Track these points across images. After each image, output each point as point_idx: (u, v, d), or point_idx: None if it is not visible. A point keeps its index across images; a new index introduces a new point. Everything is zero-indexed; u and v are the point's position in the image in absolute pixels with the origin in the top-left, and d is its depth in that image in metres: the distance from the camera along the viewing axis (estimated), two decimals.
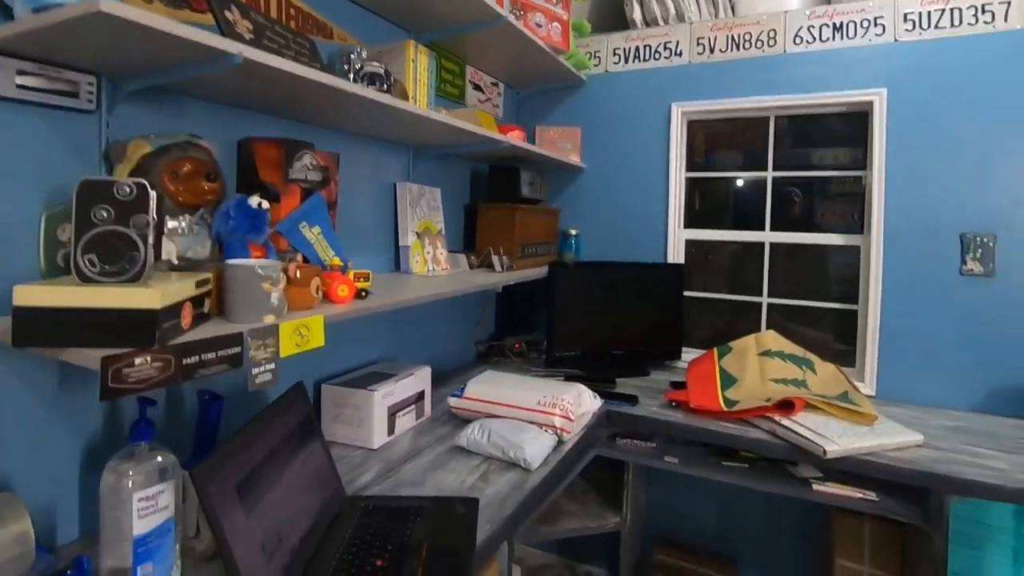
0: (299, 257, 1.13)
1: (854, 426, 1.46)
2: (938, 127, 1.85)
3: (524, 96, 2.54)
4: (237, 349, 0.83)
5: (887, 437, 1.42)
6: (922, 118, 1.87)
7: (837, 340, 2.07)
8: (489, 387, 1.49)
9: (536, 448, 1.24)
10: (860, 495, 1.41)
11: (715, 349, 1.91)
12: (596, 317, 2.10)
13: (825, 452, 1.35)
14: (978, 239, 1.80)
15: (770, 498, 2.03)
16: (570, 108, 2.44)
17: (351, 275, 1.18)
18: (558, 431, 1.36)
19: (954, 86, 1.82)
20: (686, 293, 2.27)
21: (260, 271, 0.89)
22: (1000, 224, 1.78)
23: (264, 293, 0.90)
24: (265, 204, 1.06)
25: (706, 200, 2.34)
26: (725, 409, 1.61)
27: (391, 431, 1.37)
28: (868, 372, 1.93)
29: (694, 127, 2.30)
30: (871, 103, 1.95)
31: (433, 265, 1.87)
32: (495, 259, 1.96)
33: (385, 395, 1.34)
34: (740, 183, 2.27)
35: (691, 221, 2.32)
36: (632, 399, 1.75)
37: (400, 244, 1.80)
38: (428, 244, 1.88)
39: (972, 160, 1.81)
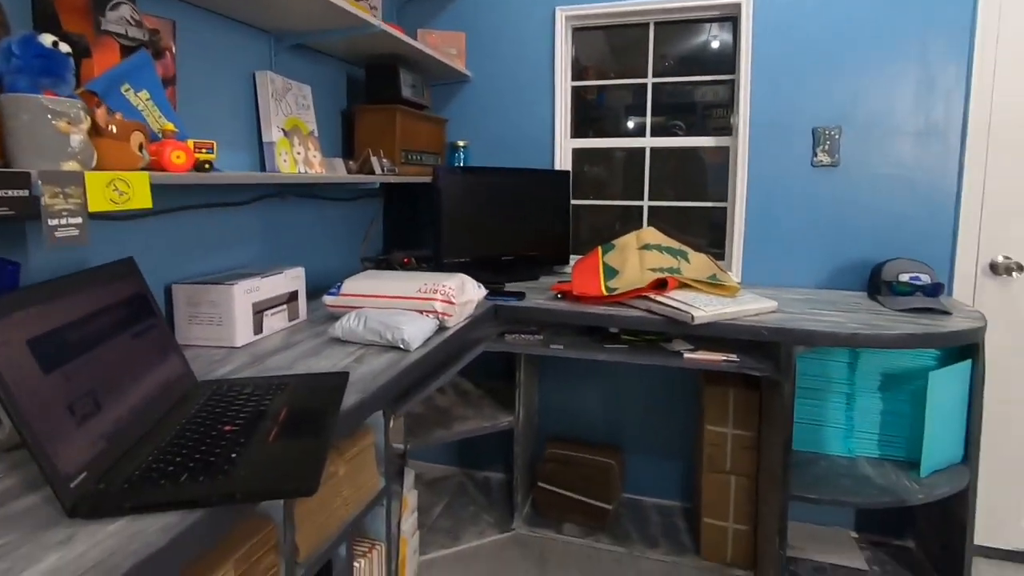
0: (117, 115, 0.96)
1: (719, 298, 1.57)
2: (796, 28, 1.96)
3: (405, 1, 2.36)
4: (24, 192, 0.69)
5: (747, 304, 1.54)
6: (783, 20, 1.97)
7: (712, 245, 2.22)
8: (368, 282, 1.42)
9: (415, 329, 1.20)
10: (724, 358, 1.53)
11: (599, 247, 1.96)
12: (485, 224, 2.07)
13: (693, 318, 1.44)
14: (827, 132, 1.96)
15: (649, 388, 2.19)
16: (454, 15, 2.31)
17: (190, 143, 1.03)
18: (439, 315, 1.32)
19: None
20: (574, 202, 2.31)
21: (50, 104, 0.74)
22: (844, 117, 1.95)
23: (59, 134, 0.75)
24: (65, 48, 0.88)
25: (600, 129, 2.35)
26: (606, 294, 1.67)
27: (258, 330, 1.26)
28: (735, 262, 2.08)
29: (584, 59, 2.28)
30: (739, 5, 2.02)
31: (305, 167, 1.72)
32: (375, 160, 1.84)
33: (248, 290, 1.23)
34: (630, 124, 2.30)
35: (579, 132, 2.34)
36: (520, 295, 1.76)
37: (264, 141, 1.63)
38: (298, 144, 1.72)
39: (824, 59, 1.95)
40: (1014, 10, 1.79)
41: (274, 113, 1.62)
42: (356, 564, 0.96)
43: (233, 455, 0.66)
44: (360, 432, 0.99)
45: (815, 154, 1.98)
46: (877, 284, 1.80)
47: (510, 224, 2.12)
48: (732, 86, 2.13)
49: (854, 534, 2.02)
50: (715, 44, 2.17)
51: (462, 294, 1.41)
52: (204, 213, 1.40)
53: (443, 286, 1.35)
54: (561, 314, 1.64)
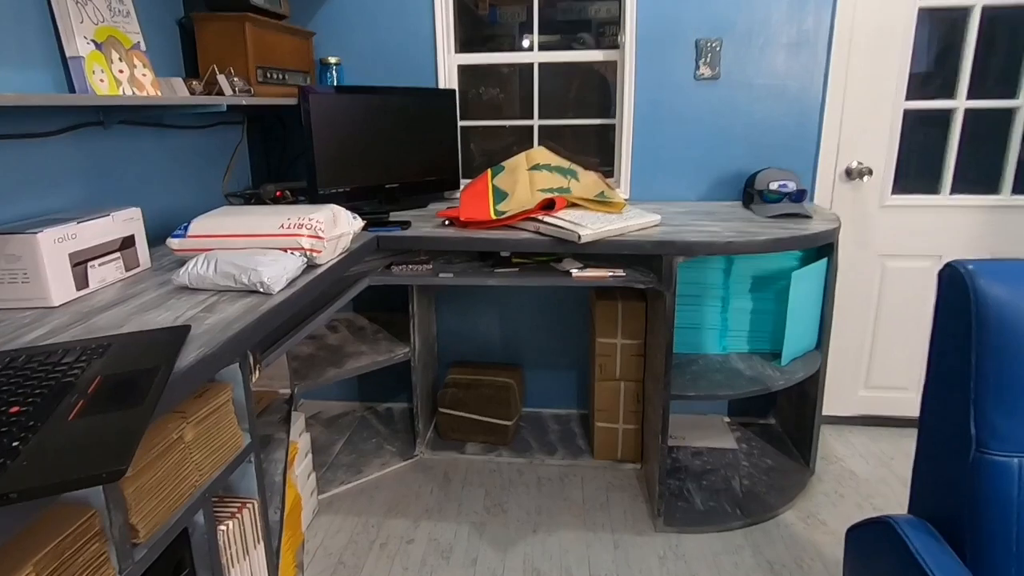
0: None
1: (606, 216, 1.57)
2: None
3: None
4: None
5: (631, 220, 1.55)
6: None
7: (606, 164, 2.19)
8: (222, 219, 1.25)
9: (276, 269, 1.08)
10: (610, 274, 1.56)
11: (489, 170, 1.89)
12: (365, 150, 1.90)
13: (580, 237, 1.44)
14: (709, 44, 1.95)
15: (545, 307, 2.22)
16: None
17: None
18: (307, 252, 1.21)
19: None
20: (461, 123, 2.18)
21: None
22: (725, 29, 1.94)
23: None
24: None
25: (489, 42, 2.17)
26: (494, 219, 1.61)
27: (83, 284, 1.08)
28: (624, 178, 2.09)
29: None
30: None
31: (132, 88, 1.45)
32: (222, 79, 1.59)
33: (60, 238, 1.03)
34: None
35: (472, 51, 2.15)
36: (404, 224, 1.66)
37: (67, 56, 1.33)
38: (119, 60, 1.44)
39: None
40: None
41: (76, 19, 1.32)
42: (221, 527, 0.90)
43: (16, 443, 0.55)
44: (214, 389, 0.90)
45: (698, 67, 1.98)
46: (750, 193, 1.89)
47: (394, 149, 1.96)
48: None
49: (727, 419, 2.26)
50: None
51: (333, 227, 1.29)
52: None
53: (309, 219, 1.22)
54: (448, 241, 1.57)
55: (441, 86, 2.11)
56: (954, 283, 0.82)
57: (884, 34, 1.90)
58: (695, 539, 1.65)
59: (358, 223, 1.40)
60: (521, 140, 2.23)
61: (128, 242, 1.21)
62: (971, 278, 0.80)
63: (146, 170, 1.58)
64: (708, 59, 1.97)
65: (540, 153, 1.89)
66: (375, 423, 2.29)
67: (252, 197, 1.97)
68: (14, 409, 0.61)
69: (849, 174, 2.02)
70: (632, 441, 1.98)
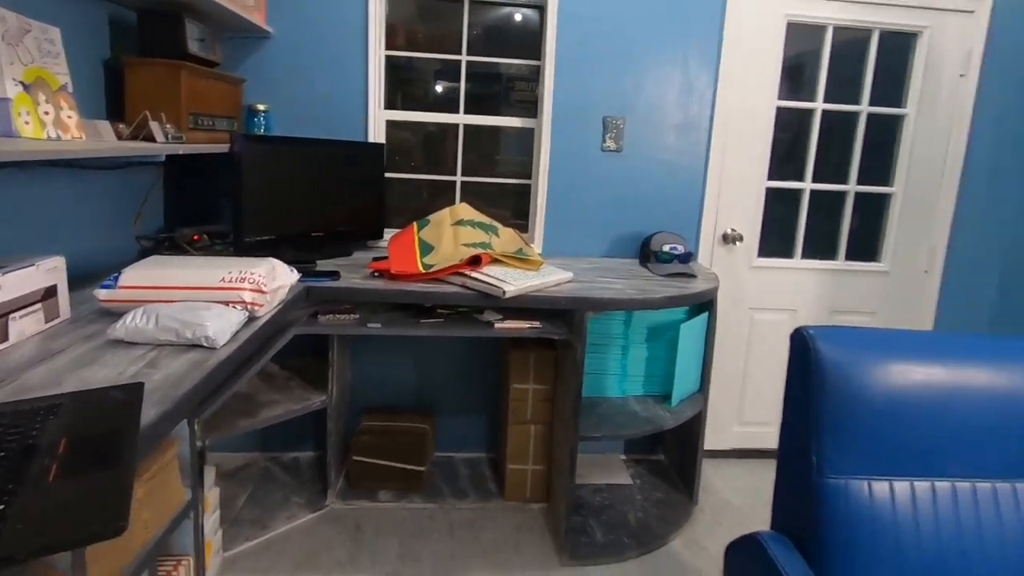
0: None
1: (526, 272, 1.75)
2: (592, 26, 2.18)
3: None
4: None
5: (548, 277, 1.75)
6: (581, 17, 2.17)
7: (516, 216, 2.40)
8: (156, 271, 1.25)
9: (220, 324, 1.11)
10: (528, 325, 1.73)
11: (415, 223, 2.00)
12: (292, 198, 1.94)
13: (504, 293, 1.59)
14: (614, 122, 2.25)
15: (459, 356, 2.34)
16: None
17: None
18: (249, 306, 1.25)
19: None
20: (387, 175, 2.29)
21: None
22: (627, 109, 2.25)
23: None
24: None
25: (408, 92, 2.32)
26: (423, 272, 1.73)
27: (3, 338, 1.04)
28: (538, 235, 2.30)
29: (391, 17, 2.20)
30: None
31: (57, 131, 1.41)
32: (155, 126, 1.58)
33: None
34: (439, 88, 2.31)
35: (391, 104, 2.29)
36: (334, 274, 1.72)
37: None
38: (45, 102, 1.40)
39: (613, 58, 2.21)
40: (749, 34, 2.24)
41: (7, 61, 1.28)
42: None
43: (1, 507, 0.58)
44: (160, 446, 0.92)
45: (604, 140, 2.26)
46: (647, 253, 2.17)
47: (320, 199, 2.02)
48: (539, 69, 2.28)
49: (623, 456, 2.48)
50: (520, 18, 2.30)
51: (273, 280, 1.34)
52: None
53: (251, 274, 1.26)
54: (379, 293, 1.66)
55: (370, 139, 2.21)
56: (800, 344, 1.06)
57: (751, 124, 2.31)
58: (597, 571, 1.80)
59: (294, 275, 1.46)
60: (434, 190, 2.37)
61: (50, 292, 1.18)
62: (812, 341, 1.05)
63: (55, 212, 1.52)
64: (613, 134, 2.27)
65: (463, 209, 2.05)
66: (280, 474, 2.22)
67: (166, 240, 1.92)
68: None
69: (725, 239, 2.38)
70: (540, 481, 2.12)
